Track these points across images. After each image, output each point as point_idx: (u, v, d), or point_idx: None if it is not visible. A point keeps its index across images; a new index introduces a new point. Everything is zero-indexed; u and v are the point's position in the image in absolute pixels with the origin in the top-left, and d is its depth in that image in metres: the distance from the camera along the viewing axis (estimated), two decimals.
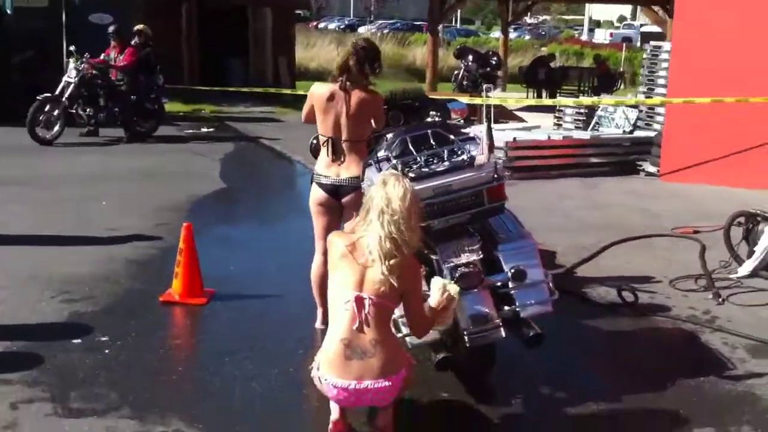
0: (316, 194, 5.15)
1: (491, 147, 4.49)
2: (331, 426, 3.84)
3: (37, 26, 14.70)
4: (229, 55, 18.83)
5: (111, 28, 13.40)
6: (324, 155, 5.14)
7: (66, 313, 5.42)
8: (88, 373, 4.51)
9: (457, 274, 4.24)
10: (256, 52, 18.73)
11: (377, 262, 3.73)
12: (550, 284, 4.41)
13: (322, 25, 52.65)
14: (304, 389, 4.27)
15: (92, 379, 4.45)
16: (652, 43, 13.36)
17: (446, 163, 4.42)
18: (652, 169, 11.08)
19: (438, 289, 4.01)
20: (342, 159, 4.99)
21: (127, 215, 8.07)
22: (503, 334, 4.27)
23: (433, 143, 4.57)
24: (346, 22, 53.50)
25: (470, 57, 19.51)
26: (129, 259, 6.63)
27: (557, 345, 5.10)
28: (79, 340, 4.96)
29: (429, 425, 4.23)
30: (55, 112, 12.40)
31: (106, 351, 4.84)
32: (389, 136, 4.84)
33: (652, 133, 11.66)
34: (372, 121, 5.09)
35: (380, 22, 53.84)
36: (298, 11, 23.35)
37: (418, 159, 4.45)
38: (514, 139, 10.84)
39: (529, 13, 58.09)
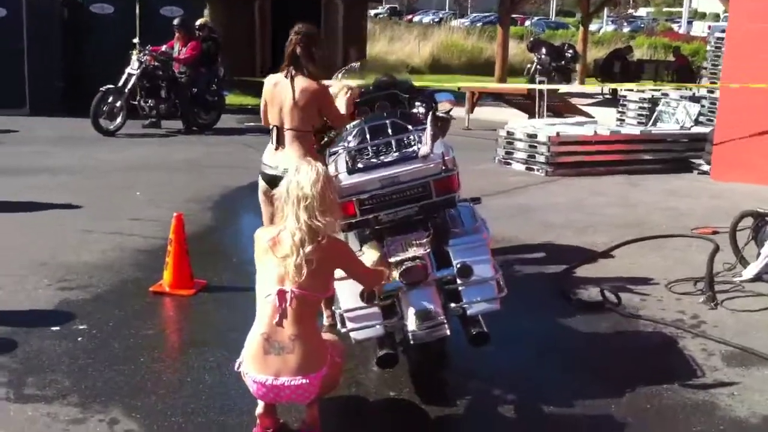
0: (260, 183, 5.17)
1: (435, 137, 4.38)
2: (257, 420, 3.87)
3: (111, 18, 15.25)
4: None
5: (175, 21, 13.68)
6: (270, 144, 5.16)
7: (57, 300, 5.60)
8: (53, 360, 4.66)
9: (401, 269, 4.20)
10: (327, 44, 18.85)
11: (292, 254, 3.71)
12: (500, 281, 4.32)
13: (416, 18, 52.64)
14: None
15: (54, 366, 4.59)
16: (716, 34, 12.83)
17: (395, 154, 4.38)
18: (706, 167, 10.64)
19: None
20: (283, 147, 4.99)
21: (155, 205, 8.28)
22: (447, 331, 4.21)
23: (391, 133, 4.53)
24: (440, 16, 53.26)
25: (543, 50, 19.24)
26: (138, 249, 6.81)
27: (523, 343, 5.07)
28: (57, 328, 5.13)
29: (374, 424, 4.20)
30: (118, 104, 12.78)
31: (79, 339, 4.99)
32: (349, 126, 4.83)
33: (708, 129, 11.20)
34: (320, 112, 5.02)
35: (475, 15, 53.46)
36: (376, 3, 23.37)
37: (368, 149, 4.41)
38: (557, 133, 10.60)
39: (631, 4, 56.67)
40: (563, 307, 5.58)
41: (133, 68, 12.95)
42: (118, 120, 12.79)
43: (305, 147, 4.98)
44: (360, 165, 4.33)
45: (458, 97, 6.17)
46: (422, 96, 5.55)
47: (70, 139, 12.40)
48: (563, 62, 19.16)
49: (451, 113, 5.69)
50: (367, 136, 4.53)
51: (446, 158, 4.30)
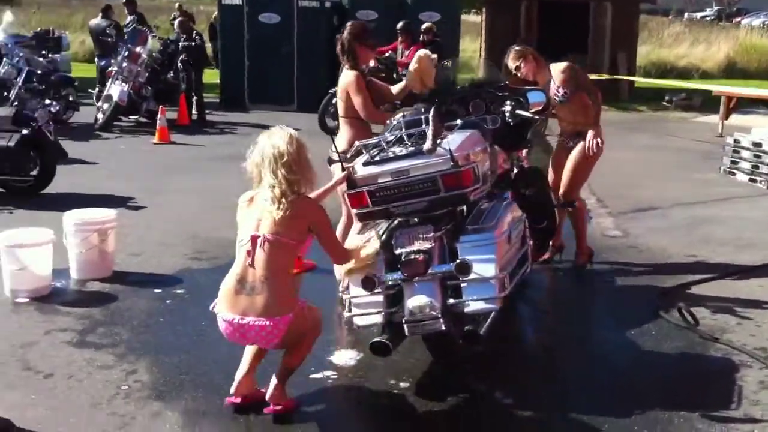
0: None
1: (437, 133, 4.31)
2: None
3: (375, 23, 16.10)
4: (568, 51, 18.69)
5: (399, 25, 13.81)
6: None
7: (179, 267, 6.24)
8: (131, 316, 5.26)
9: (402, 260, 4.23)
10: (594, 48, 18.36)
11: (271, 205, 3.88)
12: (505, 281, 4.17)
13: (746, 20, 48.93)
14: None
15: (127, 321, 5.19)
16: None
17: (411, 148, 4.39)
18: None
19: (361, 240, 4.22)
20: (337, 132, 5.44)
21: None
22: (442, 326, 4.15)
23: (425, 128, 4.54)
24: None
25: None
26: None
27: (568, 351, 4.93)
28: (159, 290, 5.74)
29: (355, 407, 4.26)
30: None
31: (168, 301, 5.56)
32: (393, 120, 4.91)
33: None
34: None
35: None
36: (646, 4, 22.18)
37: (381, 143, 4.47)
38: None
39: None
40: (645, 322, 5.14)
41: None
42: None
43: (352, 132, 5.33)
44: (377, 157, 4.40)
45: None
46: (514, 95, 5.45)
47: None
48: None
49: (545, 113, 5.52)
50: (403, 129, 4.59)
51: (456, 154, 4.23)
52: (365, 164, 4.39)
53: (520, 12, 18.18)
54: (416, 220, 4.43)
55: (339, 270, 4.36)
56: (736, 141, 10.28)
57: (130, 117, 13.57)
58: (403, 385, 4.35)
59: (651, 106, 17.33)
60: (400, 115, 4.92)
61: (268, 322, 3.82)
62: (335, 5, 16.61)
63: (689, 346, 4.80)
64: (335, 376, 4.47)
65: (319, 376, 4.45)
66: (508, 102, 5.36)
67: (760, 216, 8.02)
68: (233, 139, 12.71)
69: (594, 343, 4.98)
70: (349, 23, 5.54)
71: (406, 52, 13.34)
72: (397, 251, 4.27)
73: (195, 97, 14.11)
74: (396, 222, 4.52)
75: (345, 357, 4.69)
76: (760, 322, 5.12)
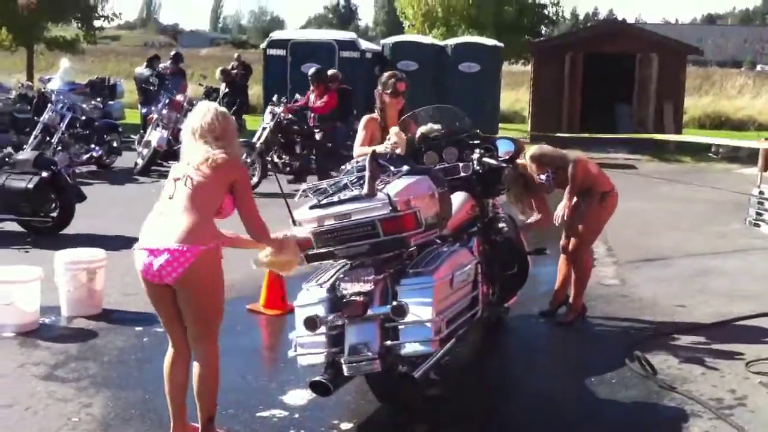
0: None
1: (373, 177, 4.39)
2: None
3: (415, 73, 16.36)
4: (614, 100, 18.65)
5: (311, 71, 12.66)
6: None
7: None
8: (105, 352, 5.43)
9: (343, 302, 4.30)
10: (640, 98, 18.26)
11: (200, 152, 4.01)
12: (441, 325, 4.20)
13: None
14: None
15: (100, 356, 5.35)
16: None
17: (353, 192, 4.47)
18: None
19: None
20: None
21: None
22: (379, 367, 4.19)
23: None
24: None
25: None
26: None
27: (521, 396, 4.92)
28: (140, 328, 5.89)
29: None
30: (249, 159, 11.58)
31: (145, 339, 5.70)
32: (348, 165, 5.00)
33: None
34: None
35: None
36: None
37: (327, 187, 4.56)
38: None
39: None
40: (608, 370, 5.09)
41: (266, 121, 12.10)
42: (254, 179, 11.42)
43: None
44: (323, 201, 4.50)
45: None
46: (485, 143, 5.53)
47: None
48: None
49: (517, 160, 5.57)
50: (355, 174, 4.69)
51: (395, 200, 4.30)
52: (311, 207, 4.49)
53: (564, 63, 18.23)
54: (369, 262, 4.50)
55: (259, 258, 4.47)
56: (761, 193, 10.10)
57: (170, 162, 13.94)
58: (345, 426, 4.39)
59: (696, 157, 17.09)
60: (355, 160, 5.03)
61: (182, 247, 3.84)
62: (376, 55, 16.95)
63: (646, 395, 4.75)
64: (281, 415, 4.53)
65: (265, 414, 4.54)
66: (477, 150, 5.45)
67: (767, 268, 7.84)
68: (265, 185, 12.83)
69: (549, 390, 4.92)
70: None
71: (320, 101, 12.21)
72: (340, 292, 4.35)
73: None
74: (348, 264, 4.61)
75: (296, 397, 4.75)
76: (725, 373, 5.03)
